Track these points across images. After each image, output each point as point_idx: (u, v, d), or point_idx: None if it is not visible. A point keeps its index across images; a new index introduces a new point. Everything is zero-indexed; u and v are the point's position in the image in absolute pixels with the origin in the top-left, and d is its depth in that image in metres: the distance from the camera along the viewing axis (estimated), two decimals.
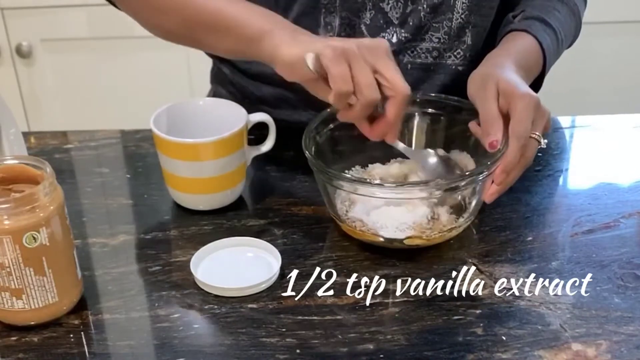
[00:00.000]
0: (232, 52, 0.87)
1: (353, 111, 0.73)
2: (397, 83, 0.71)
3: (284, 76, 0.77)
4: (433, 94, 0.88)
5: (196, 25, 0.84)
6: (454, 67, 0.94)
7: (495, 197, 0.78)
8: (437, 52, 0.93)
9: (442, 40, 0.93)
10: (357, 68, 0.71)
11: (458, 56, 0.94)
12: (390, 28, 0.91)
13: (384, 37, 0.92)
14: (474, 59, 0.92)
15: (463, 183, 0.75)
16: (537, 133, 0.78)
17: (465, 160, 0.83)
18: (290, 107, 0.98)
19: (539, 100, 0.79)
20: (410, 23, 0.91)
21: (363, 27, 0.91)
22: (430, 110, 0.86)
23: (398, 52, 0.93)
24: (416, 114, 0.86)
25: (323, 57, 0.71)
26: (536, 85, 0.90)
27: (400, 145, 0.79)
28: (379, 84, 0.72)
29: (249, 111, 0.85)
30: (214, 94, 1.10)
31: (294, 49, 0.74)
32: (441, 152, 0.83)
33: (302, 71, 0.73)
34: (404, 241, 0.77)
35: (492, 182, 0.77)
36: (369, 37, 0.73)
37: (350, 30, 0.91)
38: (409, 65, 0.94)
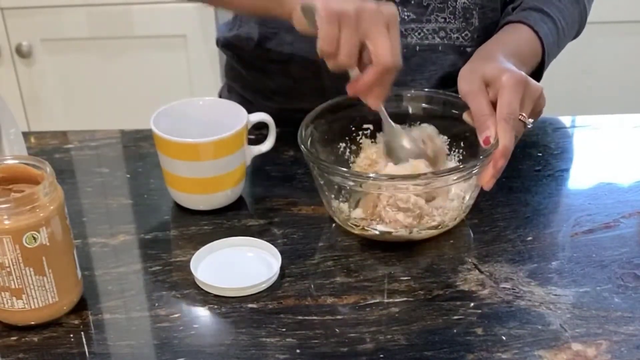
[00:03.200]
0: (254, 11, 0.90)
1: (331, 64, 0.75)
2: (382, 53, 0.73)
3: (299, 29, 0.79)
4: (426, 89, 0.88)
5: None
6: (462, 48, 0.94)
7: (493, 182, 0.77)
8: (444, 33, 0.93)
9: (448, 21, 0.93)
10: (345, 33, 0.73)
11: (466, 37, 0.94)
12: None
13: None
14: (484, 40, 0.92)
15: (455, 177, 0.75)
16: (522, 114, 0.77)
17: (435, 138, 0.84)
18: (302, 96, 0.98)
19: (526, 78, 0.78)
20: (412, 2, 0.92)
21: None
22: (424, 105, 0.87)
23: (404, 32, 0.93)
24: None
25: (318, 14, 0.73)
26: (537, 75, 0.90)
27: (383, 114, 0.80)
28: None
29: (263, 104, 0.85)
30: (228, 88, 1.11)
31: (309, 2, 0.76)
32: (417, 134, 0.83)
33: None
34: (397, 233, 0.76)
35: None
36: (376, 2, 0.75)
37: None
38: (417, 47, 0.94)
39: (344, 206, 0.79)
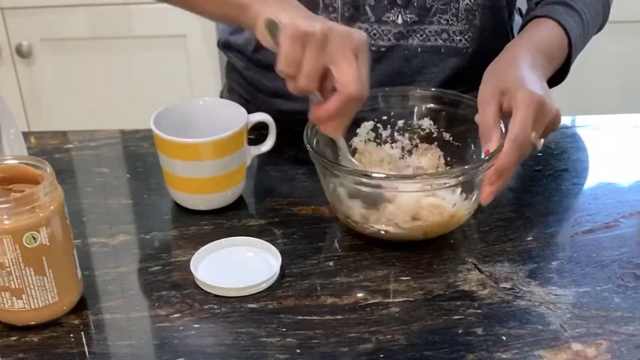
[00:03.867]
0: (217, 16, 0.87)
1: (290, 86, 0.73)
2: (347, 80, 0.70)
3: (263, 43, 0.76)
4: (433, 89, 0.88)
5: None
6: (465, 50, 0.94)
7: (491, 198, 0.76)
8: (447, 35, 0.93)
9: (450, 22, 0.93)
10: (308, 55, 0.70)
11: (469, 39, 0.94)
12: (395, 9, 0.92)
13: (388, 17, 0.92)
14: (487, 40, 0.92)
15: (460, 178, 0.75)
16: (534, 133, 0.76)
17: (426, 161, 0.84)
18: (302, 98, 0.98)
19: (543, 99, 0.76)
20: (415, 4, 0.92)
21: (367, 8, 0.91)
22: (430, 105, 0.87)
23: (406, 34, 0.93)
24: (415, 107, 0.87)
25: (283, 31, 0.71)
26: (564, 68, 0.89)
27: (341, 143, 0.79)
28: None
29: (263, 104, 0.85)
30: (228, 88, 1.11)
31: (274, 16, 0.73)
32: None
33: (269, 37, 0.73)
34: (403, 229, 0.76)
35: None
36: (346, 26, 0.73)
37: (354, 10, 0.91)
38: (419, 49, 0.94)
39: (347, 203, 0.79)
